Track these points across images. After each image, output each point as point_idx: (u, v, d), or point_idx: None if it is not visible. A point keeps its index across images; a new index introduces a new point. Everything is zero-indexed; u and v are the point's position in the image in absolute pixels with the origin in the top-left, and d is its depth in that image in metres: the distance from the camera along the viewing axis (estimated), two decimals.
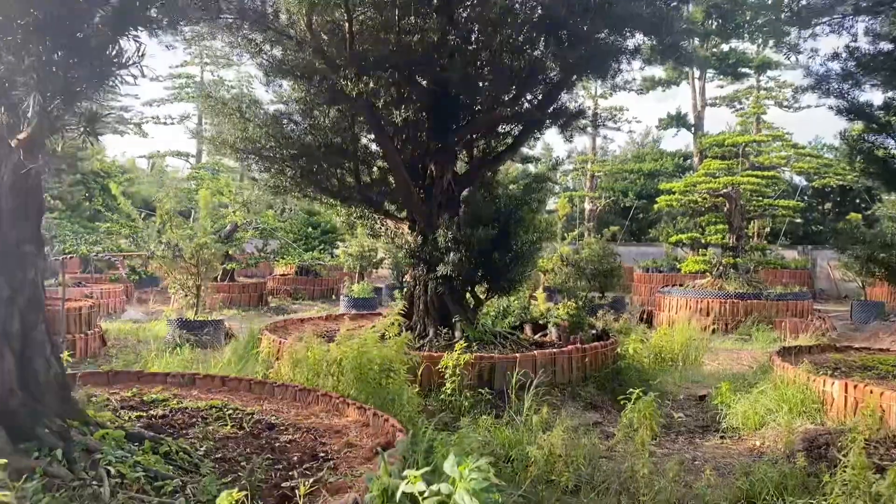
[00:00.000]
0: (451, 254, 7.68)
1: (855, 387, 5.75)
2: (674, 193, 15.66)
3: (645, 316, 15.43)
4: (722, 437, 6.07)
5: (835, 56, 7.31)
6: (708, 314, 13.92)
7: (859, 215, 19.28)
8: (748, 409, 6.26)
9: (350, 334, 5.44)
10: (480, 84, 7.13)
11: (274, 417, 4.56)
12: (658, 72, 23.69)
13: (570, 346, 7.45)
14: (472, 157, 8.73)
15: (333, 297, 19.40)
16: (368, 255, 18.05)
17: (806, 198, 29.65)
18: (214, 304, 16.69)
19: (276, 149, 7.94)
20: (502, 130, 8.66)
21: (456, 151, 8.53)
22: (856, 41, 7.29)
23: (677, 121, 23.22)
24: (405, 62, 7.19)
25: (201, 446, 3.86)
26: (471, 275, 8.18)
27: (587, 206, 29.51)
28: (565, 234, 17.72)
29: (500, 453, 5.06)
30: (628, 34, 7.00)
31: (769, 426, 5.96)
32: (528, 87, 7.51)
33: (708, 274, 15.29)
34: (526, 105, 8.01)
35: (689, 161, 28.84)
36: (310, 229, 21.89)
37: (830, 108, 7.20)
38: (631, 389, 5.94)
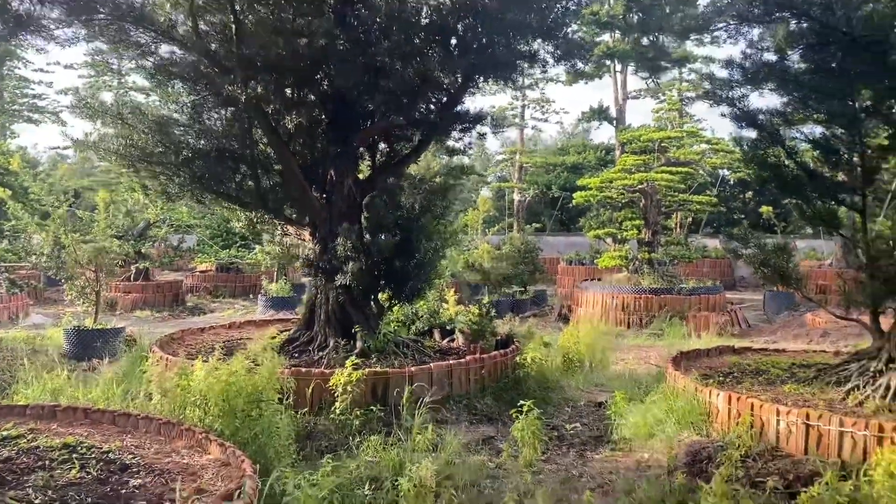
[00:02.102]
0: (351, 263, 7.49)
1: (738, 398, 5.81)
2: (590, 189, 15.79)
3: (564, 311, 15.56)
4: (612, 450, 6.07)
5: (728, 63, 7.37)
6: (623, 309, 14.11)
7: (770, 208, 19.85)
8: (639, 420, 6.28)
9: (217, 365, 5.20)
10: (376, 90, 6.93)
11: (131, 456, 4.31)
12: (581, 64, 23.87)
13: (468, 357, 7.36)
14: (374, 163, 8.53)
15: (255, 294, 18.98)
16: (289, 253, 17.68)
17: (728, 188, 30.46)
18: (126, 305, 16.16)
19: (165, 155, 7.59)
20: (405, 135, 8.48)
21: (357, 156, 8.32)
22: (754, 49, 7.39)
23: (599, 114, 23.48)
24: (297, 66, 6.95)
25: (37, 498, 3.60)
26: (372, 284, 8.01)
27: (516, 197, 29.65)
28: (486, 231, 17.67)
29: (386, 476, 4.95)
30: (522, 41, 6.91)
31: (657, 438, 5.99)
32: (423, 94, 7.36)
33: (624, 269, 15.49)
34: (425, 110, 7.85)
35: (611, 154, 29.28)
36: (230, 224, 21.33)
37: (723, 114, 7.27)
38: (522, 402, 5.91)
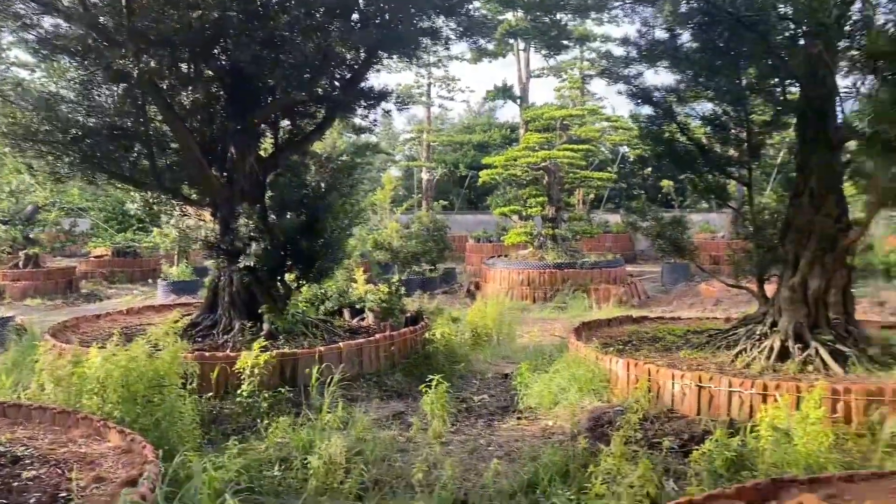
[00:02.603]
0: (255, 244, 7.34)
1: (636, 364, 6.08)
2: (495, 167, 16.00)
3: (472, 288, 15.76)
4: (518, 419, 6.23)
5: (624, 41, 7.60)
6: (529, 284, 14.43)
7: (670, 182, 20.65)
8: (544, 389, 6.47)
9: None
10: (276, 65, 6.77)
11: (24, 448, 4.11)
12: (483, 42, 24.03)
13: (378, 335, 7.37)
14: (277, 140, 8.34)
15: (155, 279, 18.30)
16: (190, 235, 17.11)
17: (628, 164, 31.46)
18: (14, 293, 15.26)
19: (51, 133, 7.18)
20: (308, 111, 8.33)
21: (258, 134, 8.12)
22: (648, 28, 7.64)
23: (503, 92, 23.76)
24: (192, 40, 6.69)
25: None
26: (278, 264, 7.88)
27: (424, 175, 29.66)
28: (394, 209, 17.66)
29: (295, 456, 4.91)
30: (424, 17, 6.90)
31: (561, 405, 6.19)
32: (326, 70, 7.25)
33: (529, 245, 15.82)
34: (329, 87, 7.73)
35: (516, 132, 29.71)
36: (126, 206, 20.45)
37: (620, 92, 7.52)
38: (431, 377, 5.98)
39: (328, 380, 6.10)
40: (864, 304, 11.34)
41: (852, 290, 6.98)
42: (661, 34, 6.99)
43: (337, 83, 8.02)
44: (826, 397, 5.04)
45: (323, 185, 8.39)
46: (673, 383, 5.78)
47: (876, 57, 2.73)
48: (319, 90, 7.57)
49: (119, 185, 8.43)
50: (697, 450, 4.57)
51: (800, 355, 6.13)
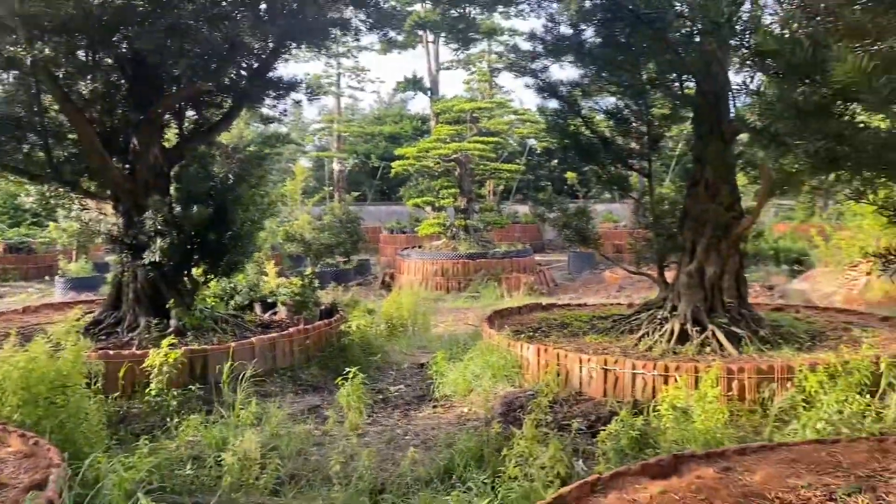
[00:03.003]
0: (161, 238, 7.12)
1: (546, 350, 6.28)
2: (408, 159, 16.05)
3: (386, 279, 15.79)
4: (434, 407, 6.33)
5: (531, 36, 7.76)
6: (443, 275, 14.58)
7: (574, 175, 21.21)
8: (459, 377, 6.59)
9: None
10: (181, 54, 6.57)
11: None
12: (393, 34, 23.98)
13: (292, 329, 7.31)
14: (182, 130, 8.11)
15: (52, 276, 17.41)
16: (90, 229, 16.36)
17: (536, 156, 32.09)
18: None
19: None
20: (215, 101, 8.13)
21: (162, 124, 7.87)
22: (554, 23, 7.83)
23: (414, 84, 23.80)
24: (90, 28, 6.41)
25: None
26: (185, 259, 7.67)
27: (336, 166, 29.36)
28: (306, 201, 17.44)
29: (208, 454, 4.83)
30: (333, 8, 6.86)
31: (476, 392, 6.33)
32: (233, 60, 7.10)
33: (443, 236, 15.97)
34: (236, 76, 7.57)
35: (427, 124, 29.80)
36: (19, 199, 19.33)
37: (527, 85, 7.70)
38: (347, 369, 5.99)
39: (240, 376, 6.03)
40: (755, 287, 12.04)
41: (745, 275, 7.42)
42: (566, 30, 7.19)
43: (245, 73, 7.86)
44: (721, 377, 5.36)
45: (231, 176, 8.22)
46: (581, 367, 6.00)
47: (764, 55, 2.94)
48: (226, 80, 7.39)
49: (11, 178, 8.01)
50: (604, 430, 4.78)
51: (697, 338, 6.48)
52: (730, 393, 5.41)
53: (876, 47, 2.99)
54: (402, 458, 4.98)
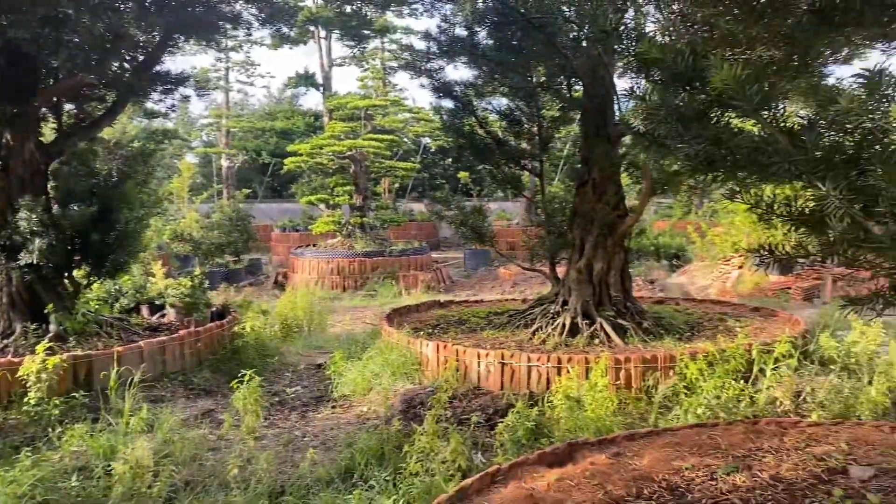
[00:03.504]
0: (38, 239, 6.71)
1: (445, 346, 6.37)
2: (301, 155, 15.81)
3: (280, 279, 15.50)
4: (333, 407, 6.29)
5: (426, 36, 7.85)
6: (339, 273, 14.47)
7: (467, 174, 21.58)
8: (358, 376, 6.58)
9: None
10: (60, 45, 6.22)
11: None
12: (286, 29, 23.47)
13: (182, 332, 7.07)
14: (60, 125, 7.67)
15: None
16: None
17: (430, 155, 32.35)
18: None
19: None
20: (97, 95, 7.74)
21: (38, 118, 7.41)
22: (448, 24, 7.94)
23: (305, 80, 23.44)
24: None
25: None
26: (65, 260, 7.27)
27: (224, 163, 28.48)
28: (193, 199, 16.86)
29: (96, 464, 4.61)
30: (224, 2, 6.68)
31: (375, 391, 6.34)
32: (117, 52, 6.78)
33: (338, 234, 15.84)
34: (120, 69, 7.24)
35: (320, 120, 29.43)
36: None
37: (423, 85, 7.78)
38: (242, 371, 5.85)
39: (128, 381, 5.78)
40: (638, 282, 12.64)
41: (629, 270, 7.80)
42: (460, 31, 7.31)
43: (129, 66, 7.52)
44: (610, 367, 5.63)
45: (115, 173, 7.85)
46: (479, 362, 6.13)
47: (647, 62, 3.11)
48: (110, 73, 7.05)
49: None
50: (502, 422, 4.92)
51: (587, 330, 6.76)
52: (618, 382, 5.68)
53: (746, 56, 3.24)
54: (301, 459, 4.94)
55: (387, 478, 4.38)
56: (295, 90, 35.75)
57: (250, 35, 18.89)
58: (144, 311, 8.51)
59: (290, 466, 4.92)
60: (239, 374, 5.80)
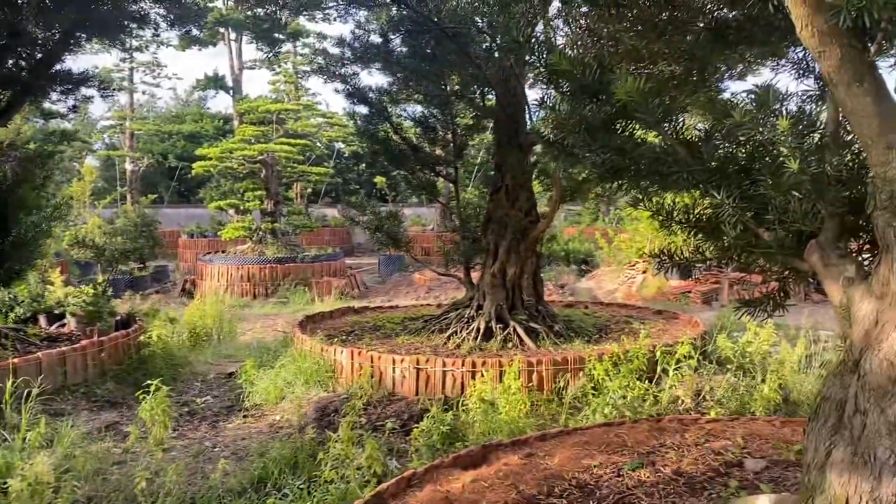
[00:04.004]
0: None
1: (359, 353, 6.36)
2: (210, 159, 15.42)
3: (188, 286, 15.05)
4: (245, 417, 6.17)
5: (340, 42, 7.83)
6: (249, 280, 14.17)
7: (383, 179, 21.54)
8: (270, 385, 6.47)
9: None
10: None
11: None
12: (195, 30, 22.80)
13: (84, 342, 6.78)
14: None
15: None
16: None
17: (344, 160, 32.10)
18: None
19: None
20: None
21: None
22: (363, 30, 7.94)
23: (215, 82, 22.86)
24: None
25: None
26: None
27: (129, 166, 27.40)
28: (96, 203, 16.16)
29: None
30: (131, 1, 6.47)
31: (288, 399, 6.25)
32: (13, 49, 6.46)
33: (248, 240, 15.52)
34: (16, 67, 6.88)
35: (230, 124, 28.76)
36: None
37: (337, 90, 7.75)
38: (149, 381, 5.66)
39: (25, 394, 5.50)
40: (549, 286, 12.95)
41: (541, 275, 7.99)
42: (375, 38, 7.33)
43: (27, 64, 7.16)
44: (523, 370, 5.76)
45: (10, 176, 7.45)
46: (394, 368, 6.15)
47: (557, 73, 3.23)
48: (4, 71, 6.70)
49: None
50: (417, 428, 4.96)
51: (501, 334, 6.89)
52: (530, 384, 5.81)
53: (649, 70, 3.40)
54: (212, 470, 4.82)
55: (301, 486, 4.34)
56: (203, 93, 34.83)
57: (158, 35, 18.34)
58: (42, 320, 8.11)
59: (200, 478, 4.80)
60: (145, 385, 5.63)
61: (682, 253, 3.08)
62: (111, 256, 14.43)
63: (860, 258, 2.43)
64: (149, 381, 5.64)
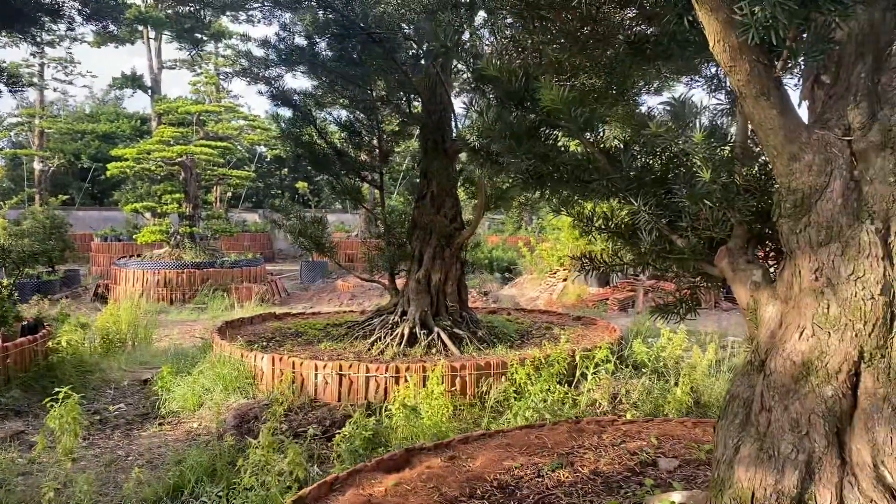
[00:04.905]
0: None
1: (280, 359, 6.26)
2: (127, 160, 14.89)
3: (101, 291, 14.48)
4: (161, 424, 5.98)
5: (264, 43, 7.71)
6: (166, 285, 13.75)
7: (306, 184, 21.30)
8: (187, 392, 6.30)
9: None
10: None
11: None
12: (112, 26, 21.99)
13: None
14: None
15: None
16: None
17: (265, 164, 31.57)
18: None
19: None
20: None
21: None
22: (287, 32, 7.84)
23: (132, 81, 22.09)
24: None
25: None
26: None
27: (37, 166, 26.18)
28: (1, 203, 15.36)
29: None
30: None
31: (206, 406, 6.10)
32: None
33: (165, 244, 15.06)
34: None
35: (147, 125, 27.87)
36: None
37: (261, 92, 7.63)
38: (58, 389, 5.42)
39: None
40: (472, 293, 13.07)
41: (465, 282, 8.07)
42: (300, 40, 7.25)
43: None
44: (446, 375, 5.79)
45: None
46: (316, 374, 6.08)
47: (485, 81, 3.29)
48: None
49: None
50: (339, 434, 4.91)
51: (425, 340, 6.91)
52: (453, 389, 5.86)
53: (571, 83, 3.51)
54: (125, 480, 4.67)
55: (219, 493, 4.25)
56: (120, 92, 33.62)
57: (73, 30, 17.54)
58: None
59: (112, 488, 4.65)
60: (54, 392, 5.39)
61: (601, 257, 3.18)
62: (18, 258, 13.72)
63: (766, 264, 2.57)
64: (57, 389, 5.40)
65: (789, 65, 2.04)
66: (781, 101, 2.02)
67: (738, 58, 1.92)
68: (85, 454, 5.25)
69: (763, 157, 2.59)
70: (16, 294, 8.14)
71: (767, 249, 2.77)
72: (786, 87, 2.05)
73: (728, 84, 2.93)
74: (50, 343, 7.12)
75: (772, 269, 2.51)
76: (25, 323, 7.54)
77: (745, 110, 2.09)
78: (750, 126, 2.50)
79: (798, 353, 2.12)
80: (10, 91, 6.53)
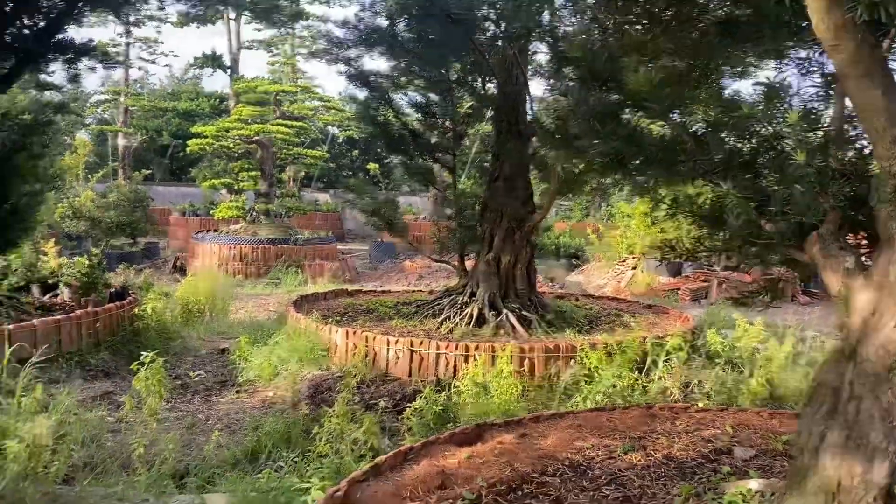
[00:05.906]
0: None
1: (354, 333, 6.41)
2: (206, 137, 15.37)
3: (179, 263, 15.04)
4: (238, 392, 6.22)
5: (344, 24, 7.83)
6: (242, 260, 14.18)
7: (377, 165, 21.55)
8: (264, 362, 6.52)
9: None
10: None
11: None
12: (197, 6, 22.63)
13: (79, 311, 6.79)
14: None
15: None
16: None
17: (338, 145, 32.04)
18: None
19: None
20: None
21: None
22: (369, 12, 7.94)
23: (213, 61, 22.73)
24: None
25: None
26: None
27: (121, 142, 27.25)
28: (90, 176, 16.09)
29: None
30: None
31: (282, 376, 6.30)
32: (17, 16, 6.43)
33: (242, 220, 15.51)
34: (20, 35, 6.84)
35: (226, 103, 28.63)
36: None
37: (340, 73, 7.76)
38: (144, 353, 5.70)
39: (21, 361, 5.52)
40: (539, 279, 13.03)
41: (535, 265, 8.06)
42: (380, 21, 7.33)
43: (28, 32, 7.12)
44: (515, 355, 5.83)
45: (8, 144, 7.43)
46: (388, 349, 6.21)
47: (567, 62, 3.29)
48: (8, 38, 6.67)
49: None
50: (409, 407, 5.02)
51: (493, 321, 6.95)
52: (522, 370, 5.89)
53: (653, 64, 3.46)
54: (205, 442, 4.88)
55: (295, 459, 4.40)
56: (200, 71, 34.59)
57: (163, 8, 18.16)
58: (35, 290, 8.10)
59: (193, 449, 4.86)
60: (139, 357, 5.66)
61: (684, 244, 3.15)
62: (106, 229, 14.39)
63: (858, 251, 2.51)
64: (144, 353, 5.68)
65: None
66: (886, 83, 1.96)
67: (842, 36, 1.88)
68: (168, 416, 5.51)
69: (860, 142, 2.52)
70: (104, 262, 8.56)
71: (859, 237, 2.70)
72: (891, 68, 2.00)
73: (822, 67, 2.84)
74: (136, 310, 7.46)
75: (863, 257, 2.45)
76: (113, 290, 7.93)
77: (847, 91, 2.04)
78: (848, 109, 2.43)
79: (892, 341, 2.08)
80: (105, 67, 6.82)
